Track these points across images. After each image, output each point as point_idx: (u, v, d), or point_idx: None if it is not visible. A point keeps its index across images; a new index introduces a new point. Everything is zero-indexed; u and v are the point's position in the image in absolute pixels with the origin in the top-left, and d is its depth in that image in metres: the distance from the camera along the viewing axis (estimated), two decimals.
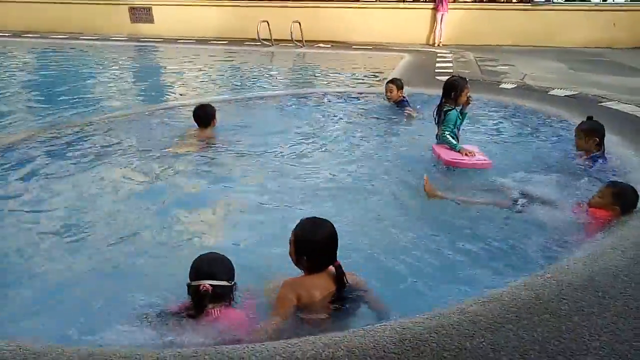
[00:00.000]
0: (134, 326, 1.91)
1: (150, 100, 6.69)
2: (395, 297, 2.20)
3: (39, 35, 13.35)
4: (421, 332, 1.73)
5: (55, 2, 14.32)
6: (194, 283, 1.90)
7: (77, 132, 4.62)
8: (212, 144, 4.30)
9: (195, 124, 4.37)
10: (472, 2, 12.66)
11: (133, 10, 13.61)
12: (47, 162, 3.85)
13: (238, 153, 4.12)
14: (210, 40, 12.67)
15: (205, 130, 4.36)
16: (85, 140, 4.40)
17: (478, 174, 3.59)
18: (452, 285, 2.31)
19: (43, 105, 6.17)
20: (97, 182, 3.53)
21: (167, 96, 7.03)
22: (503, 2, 12.63)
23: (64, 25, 14.09)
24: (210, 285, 1.88)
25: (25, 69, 9.26)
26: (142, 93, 7.34)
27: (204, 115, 4.33)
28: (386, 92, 5.34)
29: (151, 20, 13.63)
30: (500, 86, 6.78)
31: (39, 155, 3.96)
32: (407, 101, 5.29)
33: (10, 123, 5.22)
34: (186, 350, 1.66)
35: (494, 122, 5.20)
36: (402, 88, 5.31)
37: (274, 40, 11.94)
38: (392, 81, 5.42)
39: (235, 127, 4.82)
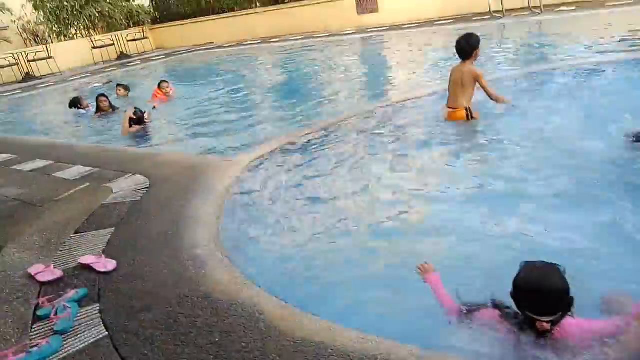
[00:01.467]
0: (464, 330, 1.95)
1: (395, 92, 6.90)
2: None
3: (280, 39, 15.21)
4: None
5: (290, 7, 16.11)
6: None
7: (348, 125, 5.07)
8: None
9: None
10: None
11: (360, 2, 14.28)
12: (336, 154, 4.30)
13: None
14: (436, 21, 12.48)
15: (465, 64, 4.37)
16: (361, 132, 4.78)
17: None
18: None
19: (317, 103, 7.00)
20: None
21: (409, 86, 7.15)
22: None
23: (300, 27, 15.74)
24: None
25: (286, 70, 10.67)
26: (390, 84, 7.64)
27: (465, 45, 4.31)
28: None
29: (376, 10, 14.10)
30: None
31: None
32: None
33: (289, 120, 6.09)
34: None
35: None
36: None
37: (505, 10, 11.05)
38: None
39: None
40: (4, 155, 5.78)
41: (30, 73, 15.37)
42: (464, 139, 4.24)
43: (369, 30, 13.32)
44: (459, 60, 4.48)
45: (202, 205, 3.42)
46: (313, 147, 4.56)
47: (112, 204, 3.66)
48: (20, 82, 14.92)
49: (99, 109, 7.71)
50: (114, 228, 3.22)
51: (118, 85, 9.65)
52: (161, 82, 8.41)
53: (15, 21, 18.73)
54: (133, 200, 3.65)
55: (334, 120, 5.22)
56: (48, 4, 17.44)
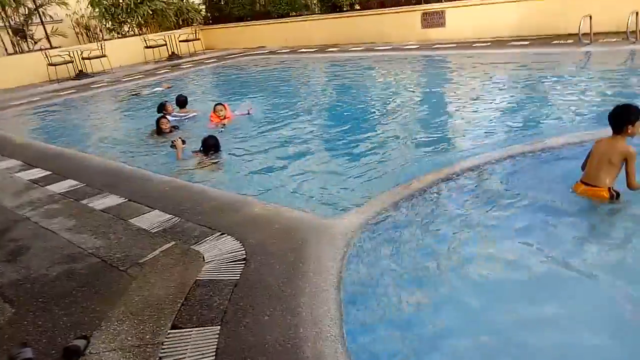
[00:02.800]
0: None
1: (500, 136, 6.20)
2: None
3: (338, 49, 14.62)
4: None
5: (350, 15, 15.49)
6: None
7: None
8: None
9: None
10: None
11: (425, 15, 13.56)
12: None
13: None
14: (509, 41, 11.66)
15: (617, 139, 3.68)
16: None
17: None
18: None
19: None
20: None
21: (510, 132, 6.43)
22: None
23: (359, 36, 15.12)
24: None
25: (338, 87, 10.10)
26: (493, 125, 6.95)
27: (622, 117, 3.65)
28: None
29: (442, 24, 13.35)
30: None
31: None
32: None
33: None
34: None
35: None
36: None
37: (593, 34, 10.16)
38: None
39: None
40: (72, 183, 5.38)
41: (83, 70, 15.26)
42: (611, 224, 3.58)
43: (434, 46, 12.60)
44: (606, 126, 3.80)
45: (315, 296, 2.87)
46: (433, 202, 3.96)
47: (208, 281, 3.15)
48: (73, 79, 14.83)
49: (159, 131, 7.31)
50: (219, 326, 2.69)
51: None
52: (216, 105, 7.71)
53: (69, 15, 18.78)
54: (232, 280, 3.13)
55: (443, 173, 4.58)
56: (104, 1, 17.35)
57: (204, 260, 3.41)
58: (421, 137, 6.19)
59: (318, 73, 12.41)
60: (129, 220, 4.20)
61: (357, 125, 7.07)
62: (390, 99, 8.41)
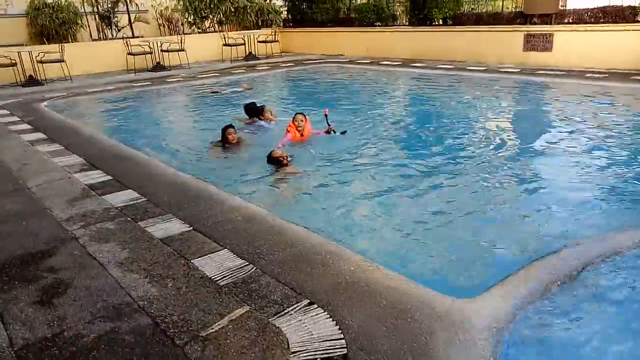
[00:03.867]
0: None
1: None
2: None
3: (424, 65, 13.48)
4: None
5: (441, 30, 14.31)
6: None
7: None
8: None
9: None
10: None
11: (530, 37, 12.15)
12: None
13: None
14: (631, 74, 10.09)
15: None
16: None
17: None
18: None
19: None
20: None
21: None
22: None
23: (449, 54, 13.92)
24: None
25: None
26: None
27: None
28: None
29: (548, 48, 11.89)
30: None
31: None
32: None
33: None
34: None
35: None
36: None
37: None
38: None
39: None
40: (132, 195, 4.66)
41: (161, 63, 15.06)
42: None
43: (537, 72, 11.18)
44: None
45: None
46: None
47: None
48: (150, 70, 14.64)
49: (225, 141, 6.52)
50: None
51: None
52: (297, 114, 6.67)
53: (154, 6, 18.84)
54: None
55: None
56: None
57: (288, 347, 2.47)
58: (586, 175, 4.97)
59: (405, 89, 11.34)
60: (193, 261, 3.34)
61: (469, 156, 5.96)
62: (502, 128, 7.22)
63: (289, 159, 5.79)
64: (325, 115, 6.85)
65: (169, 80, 13.08)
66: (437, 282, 3.22)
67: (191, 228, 3.88)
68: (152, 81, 12.98)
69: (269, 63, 15.82)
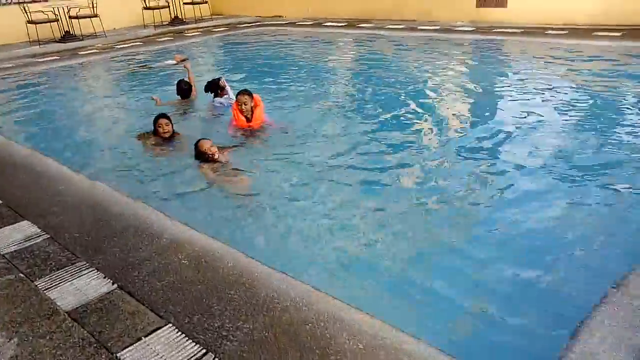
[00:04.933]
0: None
1: None
2: None
3: (372, 25, 12.41)
4: None
5: None
6: None
7: None
8: None
9: None
10: None
11: None
12: None
13: None
14: (592, 29, 9.57)
15: None
16: None
17: None
18: None
19: None
20: None
21: None
22: None
23: (396, 12, 12.89)
24: None
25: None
26: None
27: None
28: None
29: (503, 4, 11.16)
30: None
31: None
32: None
33: None
34: None
35: None
36: None
37: None
38: None
39: None
40: (29, 230, 3.35)
41: (70, 32, 12.91)
42: None
43: (493, 29, 10.45)
44: None
45: None
46: None
47: None
48: (58, 42, 12.50)
49: (158, 135, 5.20)
50: None
51: None
52: (239, 93, 5.31)
53: None
54: None
55: None
56: None
57: None
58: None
59: (354, 54, 10.23)
60: (120, 356, 2.20)
61: (432, 144, 5.05)
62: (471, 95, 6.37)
63: (225, 153, 4.65)
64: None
65: (82, 52, 11.15)
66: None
67: (115, 286, 2.70)
68: (61, 54, 11.00)
69: (199, 28, 14.06)
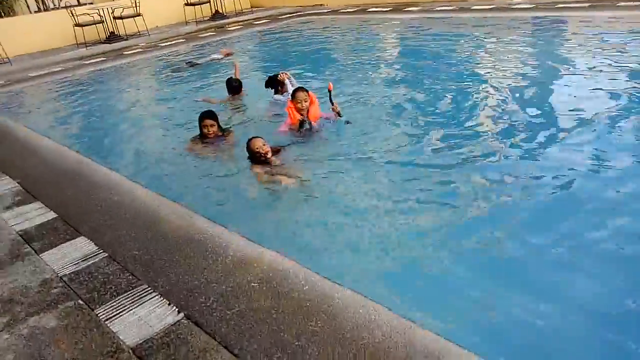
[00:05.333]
0: None
1: None
2: None
3: (420, 9, 11.75)
4: None
5: None
6: None
7: None
8: None
9: None
10: None
11: None
12: None
13: None
14: None
15: None
16: None
17: None
18: None
19: None
20: None
21: None
22: None
23: None
24: None
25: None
26: None
27: None
28: None
29: None
30: None
31: None
32: None
33: None
34: None
35: None
36: None
37: None
38: None
39: None
40: (87, 249, 3.13)
41: (115, 32, 12.97)
42: None
43: (558, 4, 9.61)
44: None
45: None
46: None
47: None
48: (104, 43, 12.59)
49: (203, 136, 4.92)
50: None
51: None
52: (297, 90, 4.95)
53: None
54: None
55: None
56: None
57: None
58: None
59: (409, 40, 9.67)
60: None
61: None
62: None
63: (279, 154, 4.34)
64: (329, 91, 5.17)
65: (127, 52, 11.13)
66: None
67: (182, 315, 2.41)
68: (107, 55, 11.03)
69: (240, 22, 13.83)
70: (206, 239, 3.10)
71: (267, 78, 6.03)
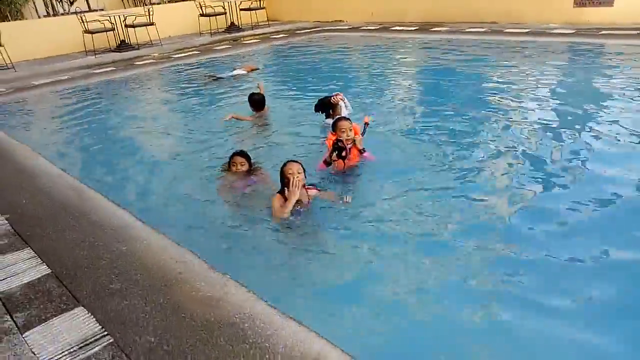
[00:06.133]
0: None
1: None
2: None
3: (447, 29, 11.14)
4: None
5: None
6: None
7: None
8: None
9: None
10: None
11: None
12: None
13: None
14: None
15: None
16: None
17: None
18: None
19: None
20: None
21: None
22: None
23: (473, 14, 11.56)
24: None
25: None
26: None
27: None
28: None
29: (609, 3, 9.65)
30: None
31: None
32: None
33: None
34: None
35: None
36: None
37: None
38: None
39: None
40: (86, 333, 2.39)
41: (126, 41, 12.36)
42: None
43: (600, 31, 8.97)
44: None
45: None
46: None
47: None
48: (114, 51, 11.96)
49: (230, 170, 4.19)
50: None
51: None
52: (339, 120, 4.25)
53: None
54: None
55: None
56: None
57: None
58: None
59: (439, 62, 9.02)
60: None
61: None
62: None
63: (309, 193, 3.63)
64: (366, 124, 4.45)
65: (138, 62, 10.49)
66: None
67: None
68: (117, 65, 10.38)
69: (256, 35, 13.24)
70: (243, 321, 2.35)
71: (317, 101, 5.32)
